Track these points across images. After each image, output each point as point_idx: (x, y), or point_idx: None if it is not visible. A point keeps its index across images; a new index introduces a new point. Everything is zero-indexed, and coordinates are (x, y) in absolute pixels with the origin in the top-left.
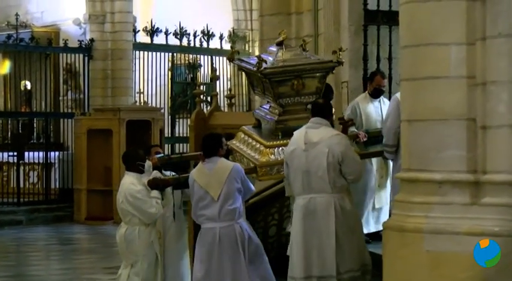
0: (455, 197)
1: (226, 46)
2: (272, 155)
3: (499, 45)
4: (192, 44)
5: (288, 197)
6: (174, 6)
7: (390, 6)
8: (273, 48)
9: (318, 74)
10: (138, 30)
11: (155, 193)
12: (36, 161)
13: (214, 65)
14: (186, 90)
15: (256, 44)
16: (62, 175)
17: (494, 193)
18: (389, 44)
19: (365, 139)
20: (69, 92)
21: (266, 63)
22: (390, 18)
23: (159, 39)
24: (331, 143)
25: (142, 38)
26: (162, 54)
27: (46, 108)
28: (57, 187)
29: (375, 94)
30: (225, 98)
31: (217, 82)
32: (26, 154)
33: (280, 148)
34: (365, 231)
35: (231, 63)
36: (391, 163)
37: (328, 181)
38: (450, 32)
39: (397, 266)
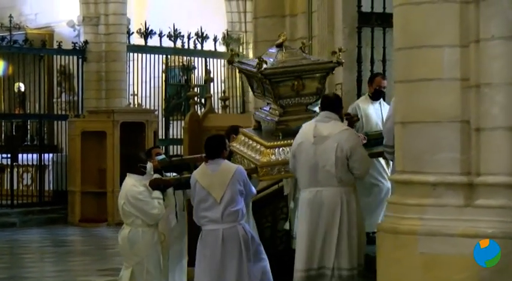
0: (449, 199)
1: (220, 48)
2: (273, 156)
3: (492, 47)
4: (186, 46)
5: (283, 198)
6: (168, 8)
7: (384, 8)
8: (273, 50)
9: (318, 75)
10: (132, 32)
11: (157, 193)
12: (30, 163)
13: (208, 67)
14: (180, 92)
15: (251, 46)
16: (56, 177)
17: (488, 194)
18: (383, 46)
19: (364, 142)
20: (63, 94)
21: (266, 64)
22: (384, 20)
23: (153, 41)
24: (341, 138)
25: (136, 40)
26: (156, 56)
27: (40, 110)
28: (51, 189)
29: (376, 96)
30: (219, 100)
31: (211, 84)
32: (20, 156)
33: (281, 149)
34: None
35: (227, 66)
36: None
37: (335, 175)
38: (444, 34)
39: (391, 268)
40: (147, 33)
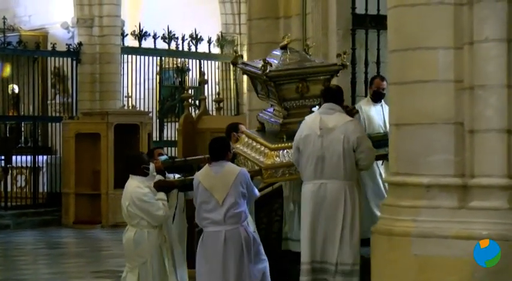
0: (443, 201)
1: (215, 50)
2: (277, 158)
3: (486, 49)
4: (180, 48)
5: (278, 200)
6: (162, 10)
7: (378, 10)
8: (277, 52)
9: (322, 77)
10: (126, 34)
11: (161, 195)
12: (24, 165)
13: (202, 69)
14: (174, 94)
15: (245, 48)
16: (50, 178)
17: (481, 196)
18: (377, 48)
19: None
20: (57, 96)
21: (271, 66)
22: (378, 22)
23: (147, 43)
24: (347, 129)
25: (131, 42)
26: (150, 58)
27: (34, 112)
28: (45, 190)
29: (376, 97)
30: (213, 102)
31: (206, 86)
32: (14, 157)
33: (285, 151)
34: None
35: (221, 68)
36: None
37: (342, 167)
38: (438, 36)
39: (385, 270)
40: (141, 35)
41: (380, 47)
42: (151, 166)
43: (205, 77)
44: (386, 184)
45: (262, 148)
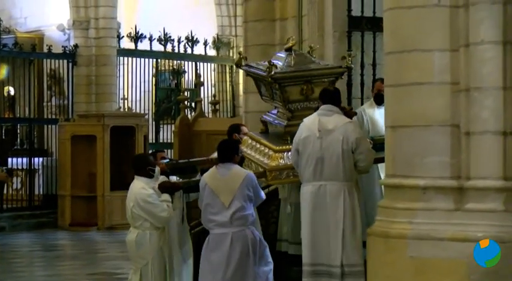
0: (439, 203)
1: (211, 52)
2: (281, 160)
3: (482, 51)
4: (176, 50)
5: (274, 202)
6: (158, 12)
7: (374, 12)
8: (282, 54)
9: (327, 80)
10: (123, 36)
11: (166, 196)
12: (20, 167)
13: (198, 71)
14: (170, 96)
15: (241, 50)
16: (46, 181)
17: (477, 198)
18: (373, 50)
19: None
20: (53, 98)
21: (276, 68)
22: (374, 24)
23: (143, 45)
24: (346, 130)
25: (127, 44)
26: (146, 60)
27: (30, 114)
28: (41, 193)
29: (378, 100)
30: (210, 104)
31: (202, 88)
32: (10, 160)
33: (290, 153)
34: None
35: (218, 70)
36: None
37: (342, 168)
38: (434, 39)
39: (382, 272)
40: (137, 37)
41: (376, 49)
42: (157, 168)
43: (201, 79)
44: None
45: (267, 150)
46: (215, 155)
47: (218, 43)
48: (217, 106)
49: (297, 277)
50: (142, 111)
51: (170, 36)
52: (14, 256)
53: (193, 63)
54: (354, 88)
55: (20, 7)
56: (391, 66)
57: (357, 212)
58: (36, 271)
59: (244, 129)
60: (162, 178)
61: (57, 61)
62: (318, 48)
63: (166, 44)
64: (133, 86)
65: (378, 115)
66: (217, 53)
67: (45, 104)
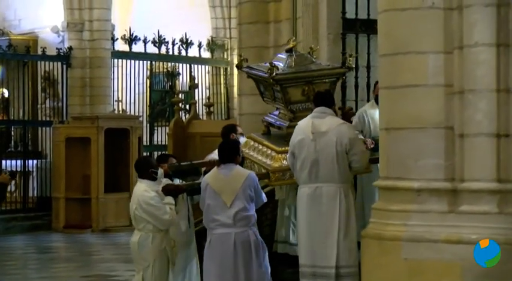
0: (433, 205)
1: (205, 54)
2: (284, 161)
3: (476, 54)
4: (170, 52)
5: (269, 205)
6: (153, 15)
7: (368, 14)
8: (282, 56)
9: (328, 80)
10: (117, 39)
11: (169, 199)
12: (14, 169)
13: (192, 74)
14: (164, 98)
15: (235, 52)
16: (40, 183)
17: (471, 200)
18: (367, 53)
19: (372, 146)
20: (48, 100)
21: (278, 69)
22: (368, 26)
23: (138, 48)
24: (339, 132)
25: (121, 46)
26: (141, 62)
27: (24, 117)
28: (35, 195)
29: (378, 101)
30: (204, 107)
31: (196, 90)
32: (4, 162)
33: None
34: None
35: (212, 72)
36: None
37: (337, 170)
38: (428, 41)
39: (376, 274)
40: (131, 40)
41: (370, 51)
42: (160, 170)
43: (196, 82)
44: None
45: (269, 151)
46: (212, 156)
47: (212, 45)
48: (211, 108)
49: (291, 279)
50: (136, 114)
51: (164, 39)
52: (8, 258)
53: (188, 65)
54: (349, 90)
55: (14, 9)
56: (386, 68)
57: (352, 214)
58: (31, 274)
59: (240, 129)
60: (166, 181)
61: (51, 63)
62: (318, 48)
63: (161, 46)
64: (128, 88)
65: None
66: (212, 55)
67: (39, 106)
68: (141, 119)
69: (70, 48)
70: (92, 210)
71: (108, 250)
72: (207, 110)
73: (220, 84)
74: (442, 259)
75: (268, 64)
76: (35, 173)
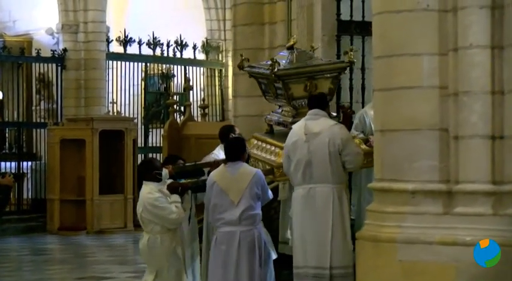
0: (428, 207)
1: (200, 56)
2: None
3: (470, 56)
4: (165, 54)
5: (266, 205)
6: (148, 16)
7: (363, 16)
8: (284, 53)
9: (330, 75)
10: (112, 40)
11: (175, 197)
12: (9, 171)
13: (187, 75)
14: (159, 100)
15: (230, 54)
16: (35, 185)
17: (466, 202)
18: (362, 55)
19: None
20: (42, 102)
21: (279, 65)
22: (363, 28)
23: (132, 49)
24: (332, 133)
25: (116, 47)
26: (135, 64)
27: (18, 118)
28: (30, 197)
29: None
30: (199, 108)
31: (191, 92)
32: None
33: None
34: None
35: (206, 74)
36: None
37: (330, 170)
38: (423, 43)
39: (371, 276)
40: (126, 41)
41: (365, 53)
42: (164, 171)
43: (190, 83)
44: None
45: (273, 148)
46: (211, 156)
47: (207, 47)
48: (206, 110)
49: (287, 280)
50: (131, 115)
51: (159, 40)
52: (3, 260)
53: (183, 67)
54: (343, 92)
55: (9, 11)
56: (380, 70)
57: (346, 214)
58: (25, 275)
59: (237, 129)
60: (170, 181)
61: (46, 65)
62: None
63: (156, 48)
64: (122, 90)
65: None
66: (207, 57)
67: (34, 108)
68: (135, 120)
69: (65, 50)
70: (86, 212)
71: (103, 251)
72: (202, 111)
73: (215, 86)
74: (437, 260)
75: (269, 62)
76: (29, 175)
